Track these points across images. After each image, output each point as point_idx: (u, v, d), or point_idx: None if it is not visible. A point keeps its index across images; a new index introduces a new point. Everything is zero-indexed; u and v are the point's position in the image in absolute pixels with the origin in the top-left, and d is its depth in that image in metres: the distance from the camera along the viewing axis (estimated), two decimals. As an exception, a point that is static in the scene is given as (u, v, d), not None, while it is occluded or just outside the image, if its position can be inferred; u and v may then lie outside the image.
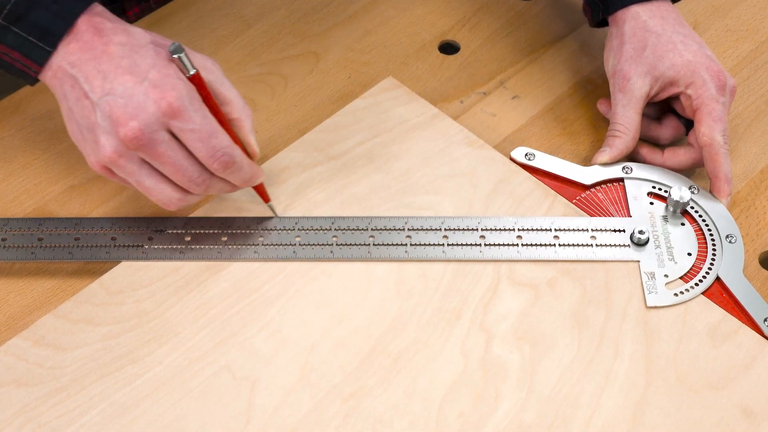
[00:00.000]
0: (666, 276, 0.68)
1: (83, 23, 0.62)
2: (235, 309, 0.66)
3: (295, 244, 0.69)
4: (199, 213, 0.71)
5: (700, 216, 0.72)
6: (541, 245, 0.70)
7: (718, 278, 0.69)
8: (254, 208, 0.71)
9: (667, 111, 0.78)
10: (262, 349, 0.64)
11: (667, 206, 0.72)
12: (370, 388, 0.62)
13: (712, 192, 0.73)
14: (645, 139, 0.77)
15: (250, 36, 0.86)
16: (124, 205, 0.73)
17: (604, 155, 0.74)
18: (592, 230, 0.71)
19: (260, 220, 0.70)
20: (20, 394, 0.61)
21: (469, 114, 0.81)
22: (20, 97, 0.81)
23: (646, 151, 0.76)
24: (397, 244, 0.69)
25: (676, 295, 0.67)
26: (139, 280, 0.67)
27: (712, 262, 0.69)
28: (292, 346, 0.64)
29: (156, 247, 0.69)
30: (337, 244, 0.69)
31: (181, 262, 0.68)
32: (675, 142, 0.78)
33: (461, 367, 0.63)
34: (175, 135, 0.62)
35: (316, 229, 0.70)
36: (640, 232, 0.70)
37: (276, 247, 0.69)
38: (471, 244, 0.69)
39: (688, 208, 0.72)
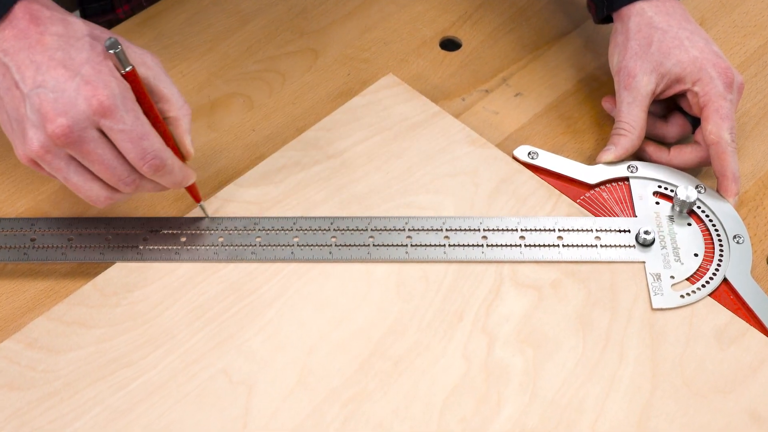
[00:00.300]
0: (672, 277, 0.68)
1: (20, 9, 0.60)
2: (231, 311, 0.65)
3: (293, 245, 0.68)
4: (195, 213, 0.70)
5: (707, 216, 0.72)
6: (544, 246, 0.69)
7: (725, 279, 0.68)
8: (252, 209, 0.70)
9: (673, 108, 0.78)
10: (259, 352, 0.63)
11: (673, 206, 0.72)
12: (370, 392, 0.62)
13: (719, 191, 0.73)
14: (651, 138, 0.76)
15: (248, 32, 0.85)
16: (119, 205, 0.72)
17: (609, 154, 0.74)
18: (596, 231, 0.70)
19: (257, 221, 0.70)
20: (12, 398, 0.61)
21: (471, 112, 0.80)
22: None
23: (651, 150, 0.75)
24: (397, 245, 0.69)
25: (682, 296, 0.67)
26: (133, 281, 0.66)
27: (719, 263, 0.69)
28: (289, 349, 0.64)
29: (151, 247, 0.68)
30: (336, 245, 0.68)
31: (177, 263, 0.67)
32: (681, 141, 0.77)
33: (463, 371, 0.63)
34: (105, 133, 0.61)
35: (315, 230, 0.69)
36: (646, 232, 0.69)
37: (274, 247, 0.68)
38: (473, 245, 0.69)
39: (695, 208, 0.72)
